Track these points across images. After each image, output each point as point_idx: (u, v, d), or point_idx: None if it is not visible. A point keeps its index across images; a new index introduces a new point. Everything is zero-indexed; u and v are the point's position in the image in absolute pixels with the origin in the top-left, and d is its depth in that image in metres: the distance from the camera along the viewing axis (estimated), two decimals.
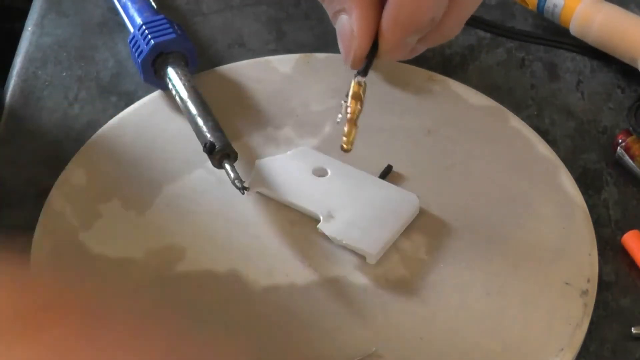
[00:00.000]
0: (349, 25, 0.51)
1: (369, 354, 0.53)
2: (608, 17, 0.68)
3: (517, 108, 0.67)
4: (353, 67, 0.53)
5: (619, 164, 0.63)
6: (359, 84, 0.53)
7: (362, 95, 0.53)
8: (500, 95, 0.67)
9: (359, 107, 0.53)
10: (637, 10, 0.73)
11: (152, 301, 0.55)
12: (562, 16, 0.70)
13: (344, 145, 0.53)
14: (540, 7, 0.71)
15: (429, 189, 0.61)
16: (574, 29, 0.70)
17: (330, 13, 0.53)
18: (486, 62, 0.71)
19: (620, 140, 0.63)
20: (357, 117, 0.53)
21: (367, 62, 0.53)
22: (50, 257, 0.57)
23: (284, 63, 0.69)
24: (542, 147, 0.63)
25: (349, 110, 0.53)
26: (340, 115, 0.54)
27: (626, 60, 0.68)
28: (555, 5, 0.70)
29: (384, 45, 0.52)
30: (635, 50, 0.67)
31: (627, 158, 0.62)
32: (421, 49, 0.55)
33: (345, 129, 0.53)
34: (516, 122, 0.65)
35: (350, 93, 0.53)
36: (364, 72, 0.53)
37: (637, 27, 0.67)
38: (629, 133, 0.64)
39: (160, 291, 0.56)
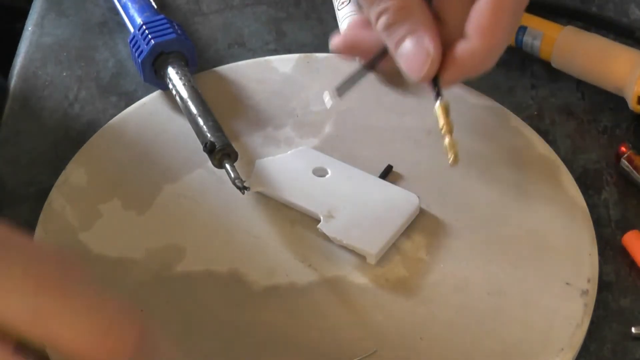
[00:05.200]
0: (420, 46, 0.55)
1: (369, 354, 0.53)
2: (589, 47, 0.66)
3: (517, 108, 0.67)
4: (424, 80, 0.56)
5: (622, 175, 0.63)
6: (443, 105, 0.56)
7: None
8: (500, 95, 0.67)
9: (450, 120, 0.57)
10: (637, 11, 0.73)
11: (152, 301, 0.55)
12: (542, 50, 0.68)
13: (454, 158, 0.56)
14: (519, 41, 0.69)
15: (429, 189, 0.61)
16: (556, 62, 0.68)
17: (392, 42, 0.56)
18: None
19: (623, 151, 0.63)
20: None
21: (435, 84, 0.57)
22: None
23: (284, 63, 0.69)
24: (542, 147, 0.63)
25: (444, 127, 0.56)
26: (328, 100, 0.58)
27: (611, 90, 0.66)
28: (534, 39, 0.68)
29: (442, 82, 0.57)
30: (620, 80, 0.65)
31: (631, 170, 0.62)
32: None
33: (447, 141, 0.56)
34: (516, 122, 0.65)
35: (442, 114, 0.56)
36: (440, 94, 0.57)
37: (619, 55, 0.65)
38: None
39: (160, 291, 0.56)
